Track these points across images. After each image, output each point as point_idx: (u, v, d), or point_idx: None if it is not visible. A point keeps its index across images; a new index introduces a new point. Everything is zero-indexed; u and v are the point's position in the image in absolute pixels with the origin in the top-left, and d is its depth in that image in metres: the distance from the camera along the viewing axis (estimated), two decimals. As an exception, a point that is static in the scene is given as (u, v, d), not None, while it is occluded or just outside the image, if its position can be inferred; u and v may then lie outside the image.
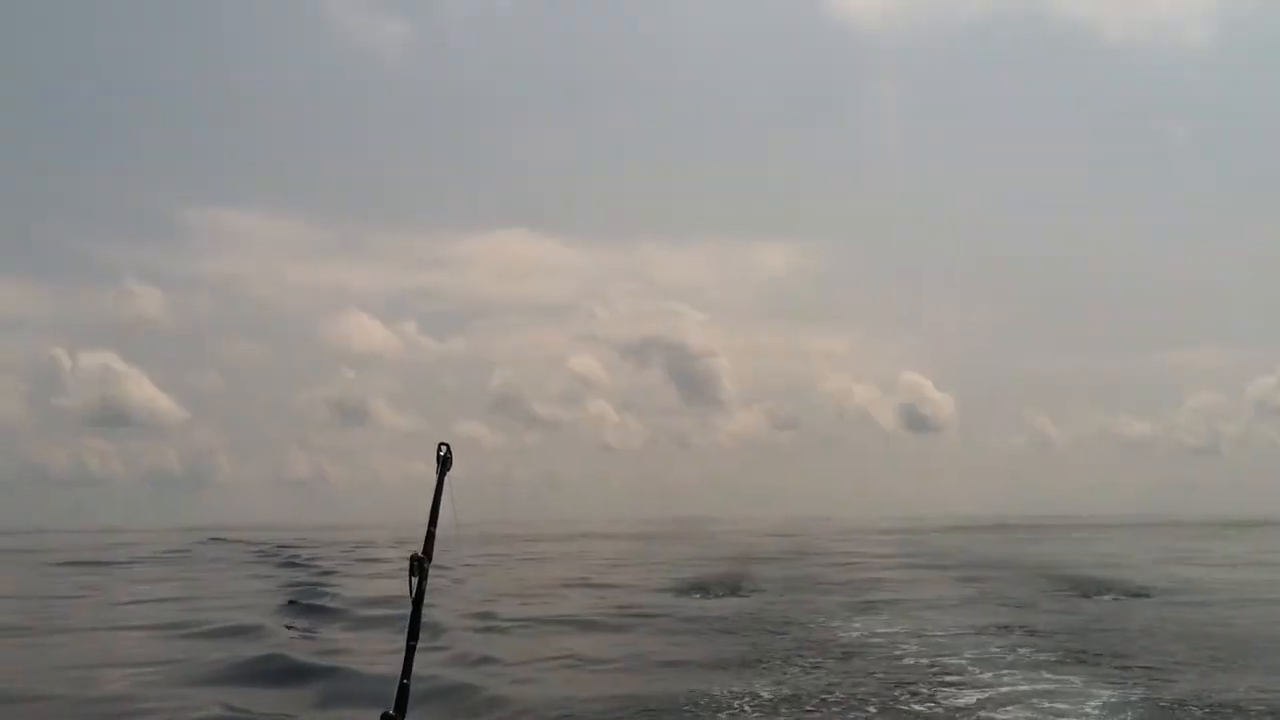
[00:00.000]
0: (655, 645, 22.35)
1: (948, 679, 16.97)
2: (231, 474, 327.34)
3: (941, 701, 15.30)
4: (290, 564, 55.28)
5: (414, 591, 4.63)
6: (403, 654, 4.67)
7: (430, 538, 4.76)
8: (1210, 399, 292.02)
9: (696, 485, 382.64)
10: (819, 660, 19.18)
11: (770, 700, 15.36)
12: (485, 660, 19.87)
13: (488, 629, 25.18)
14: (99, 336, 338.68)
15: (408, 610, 4.72)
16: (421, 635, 4.90)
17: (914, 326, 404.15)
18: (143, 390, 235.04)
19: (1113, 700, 15.05)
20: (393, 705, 4.51)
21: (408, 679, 4.64)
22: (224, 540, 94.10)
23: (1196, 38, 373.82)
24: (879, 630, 23.65)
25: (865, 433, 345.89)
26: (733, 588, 35.32)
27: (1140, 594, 30.77)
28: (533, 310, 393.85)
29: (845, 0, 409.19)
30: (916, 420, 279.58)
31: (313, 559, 58.74)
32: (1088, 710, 14.55)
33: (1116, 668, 17.99)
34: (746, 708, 14.96)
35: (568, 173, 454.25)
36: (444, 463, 4.84)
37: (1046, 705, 14.86)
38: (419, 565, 4.58)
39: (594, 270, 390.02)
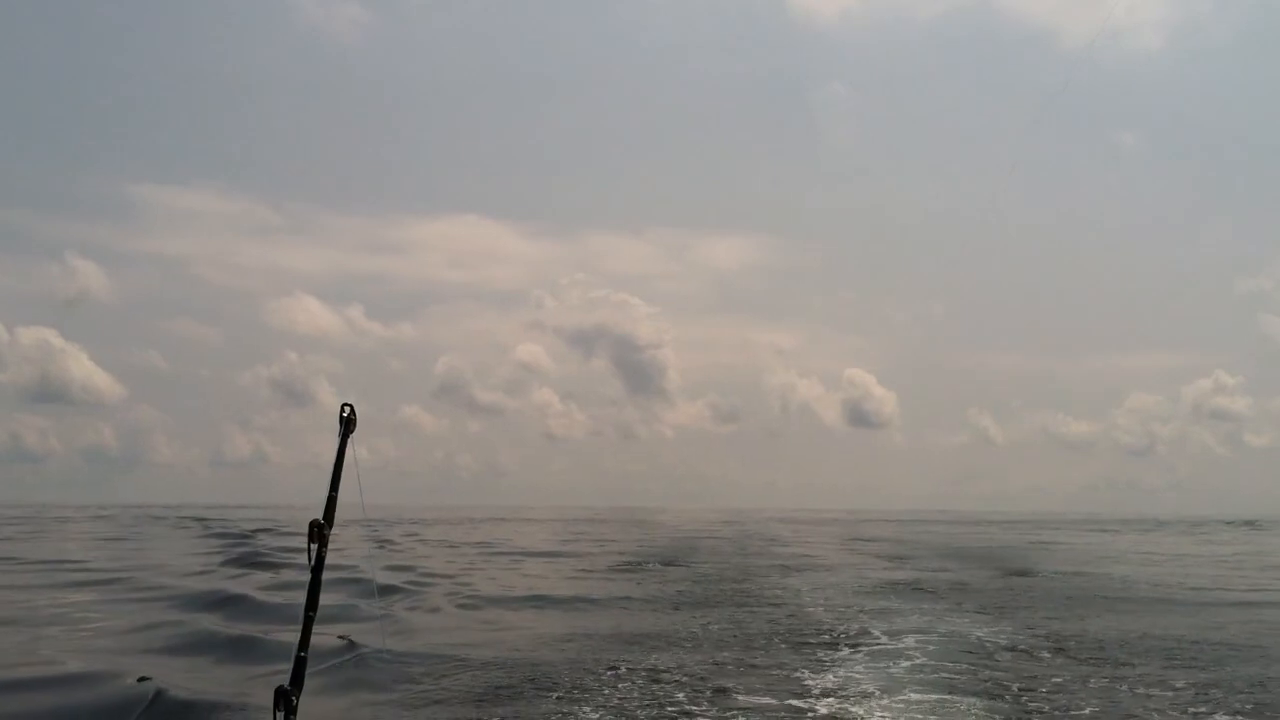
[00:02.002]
0: (622, 595, 24.33)
1: (843, 613, 20.08)
2: (170, 453, 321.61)
3: (833, 625, 18.09)
4: (221, 536, 55.64)
5: (313, 559, 4.27)
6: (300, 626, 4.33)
7: (331, 503, 4.44)
8: (1148, 401, 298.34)
9: (639, 475, 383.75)
10: (746, 603, 22.50)
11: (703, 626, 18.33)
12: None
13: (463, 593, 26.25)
14: (38, 312, 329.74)
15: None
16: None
17: (860, 324, 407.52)
18: (82, 367, 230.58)
19: (976, 631, 17.47)
20: (289, 679, 4.19)
21: (304, 652, 4.29)
22: (162, 518, 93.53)
23: (1149, 45, 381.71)
24: (794, 585, 26.46)
25: (809, 427, 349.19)
26: (681, 560, 37.50)
27: (1034, 574, 32.55)
28: (481, 297, 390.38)
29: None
30: (860, 416, 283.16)
31: (250, 533, 59.09)
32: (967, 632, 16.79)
33: (994, 614, 20.33)
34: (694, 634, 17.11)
35: (521, 160, 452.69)
36: (346, 424, 4.57)
37: (923, 624, 17.41)
38: (319, 532, 4.27)
39: (544, 259, 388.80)
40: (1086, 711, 11.51)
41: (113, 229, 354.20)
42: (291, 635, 4.34)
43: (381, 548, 45.17)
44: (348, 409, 4.56)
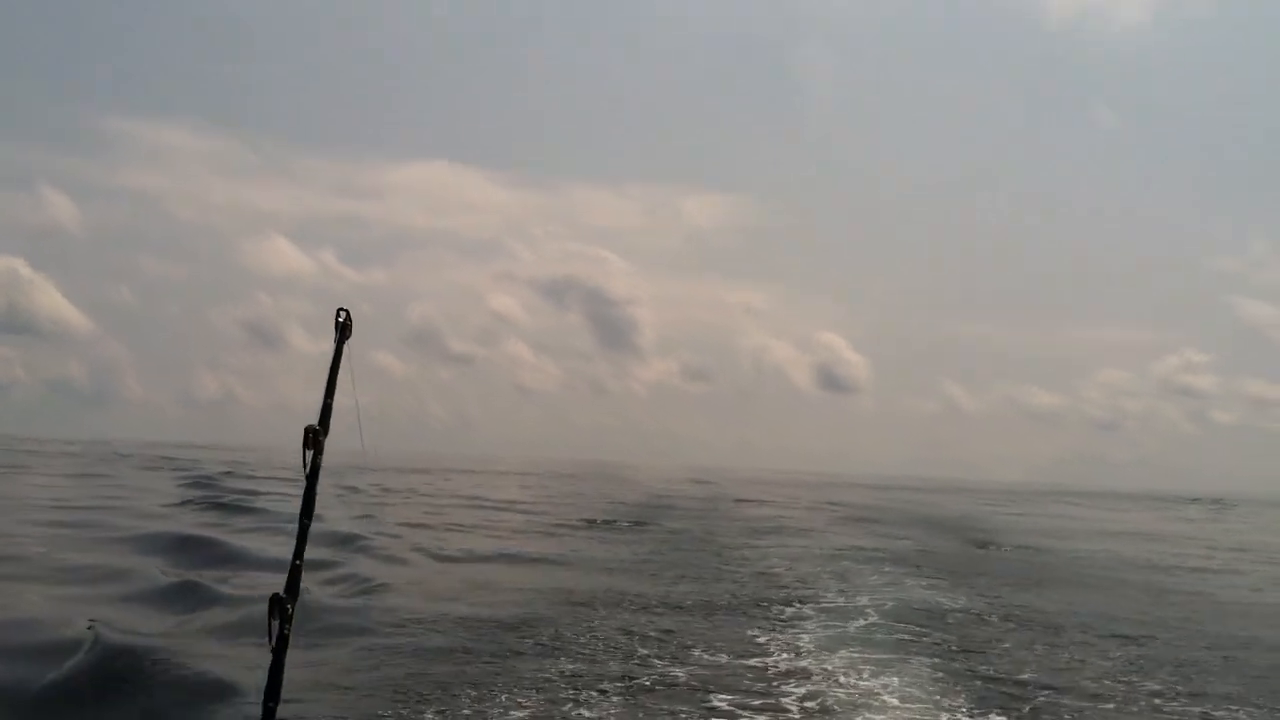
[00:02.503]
0: (587, 552, 25.20)
1: (804, 574, 20.94)
2: (139, 390, 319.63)
3: (794, 586, 19.03)
4: (187, 476, 55.73)
5: (308, 467, 4.22)
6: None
7: (326, 409, 4.30)
8: (1117, 377, 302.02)
9: (610, 430, 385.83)
10: (712, 562, 23.46)
11: (668, 582, 19.15)
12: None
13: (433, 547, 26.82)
14: (6, 241, 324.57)
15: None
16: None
17: (835, 288, 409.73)
18: (50, 299, 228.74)
19: (932, 596, 18.30)
20: (284, 587, 4.13)
21: (300, 560, 4.22)
22: (128, 456, 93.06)
23: (1131, 20, 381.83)
24: (759, 546, 27.45)
25: (781, 389, 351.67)
26: (650, 519, 38.06)
27: (994, 545, 33.41)
28: (455, 245, 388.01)
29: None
30: (831, 380, 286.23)
31: (221, 473, 59.16)
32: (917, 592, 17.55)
33: (950, 581, 21.19)
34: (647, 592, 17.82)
35: (499, 108, 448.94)
36: (342, 330, 4.41)
37: (880, 586, 18.10)
38: (313, 438, 4.19)
39: (519, 209, 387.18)
40: (1025, 675, 12.18)
41: (86, 161, 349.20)
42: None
43: (344, 495, 45.21)
44: (343, 314, 4.41)
